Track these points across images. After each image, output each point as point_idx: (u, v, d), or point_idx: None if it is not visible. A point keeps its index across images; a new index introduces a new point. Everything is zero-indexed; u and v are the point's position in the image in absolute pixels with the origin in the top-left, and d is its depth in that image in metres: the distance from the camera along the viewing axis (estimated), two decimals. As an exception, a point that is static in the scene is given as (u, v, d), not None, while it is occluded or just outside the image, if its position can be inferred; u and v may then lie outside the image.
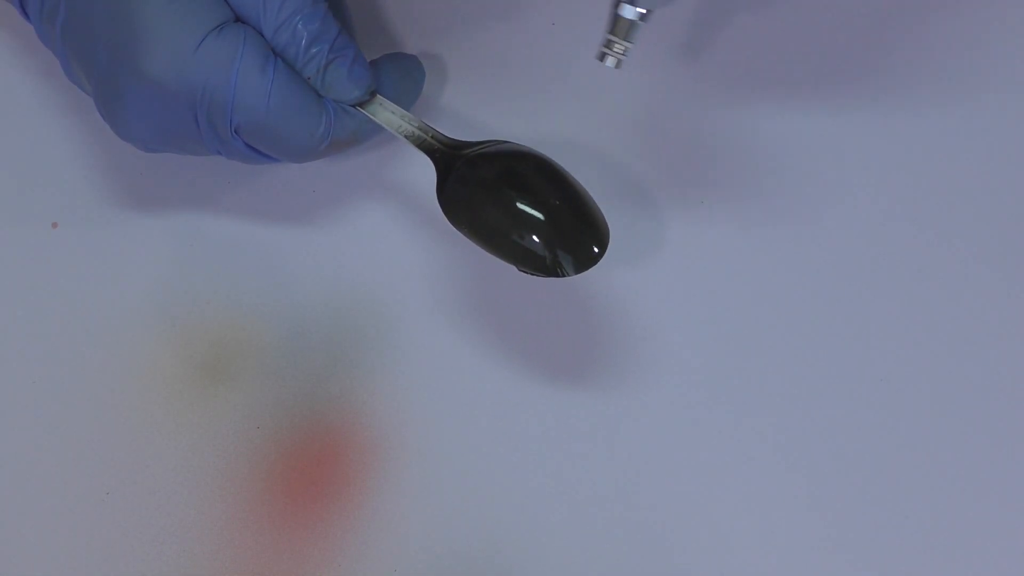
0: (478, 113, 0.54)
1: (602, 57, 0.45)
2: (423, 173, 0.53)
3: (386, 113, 0.49)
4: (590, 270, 0.46)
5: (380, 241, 0.53)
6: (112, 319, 0.52)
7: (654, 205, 0.53)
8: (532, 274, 0.46)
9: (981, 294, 0.51)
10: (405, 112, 0.49)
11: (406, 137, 0.48)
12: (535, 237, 0.46)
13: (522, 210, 0.46)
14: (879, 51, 0.54)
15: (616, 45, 0.44)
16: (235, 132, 0.47)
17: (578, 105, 0.53)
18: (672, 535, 0.50)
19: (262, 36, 0.46)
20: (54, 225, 0.53)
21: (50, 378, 0.52)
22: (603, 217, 0.46)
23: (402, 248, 0.53)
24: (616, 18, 0.44)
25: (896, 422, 0.50)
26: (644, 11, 0.44)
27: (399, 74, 0.51)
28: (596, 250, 0.46)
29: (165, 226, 0.53)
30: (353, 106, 0.48)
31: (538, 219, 0.46)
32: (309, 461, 0.51)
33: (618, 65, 0.45)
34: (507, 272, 0.52)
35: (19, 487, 0.51)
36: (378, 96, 0.49)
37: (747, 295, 0.52)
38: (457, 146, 0.48)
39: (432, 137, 0.48)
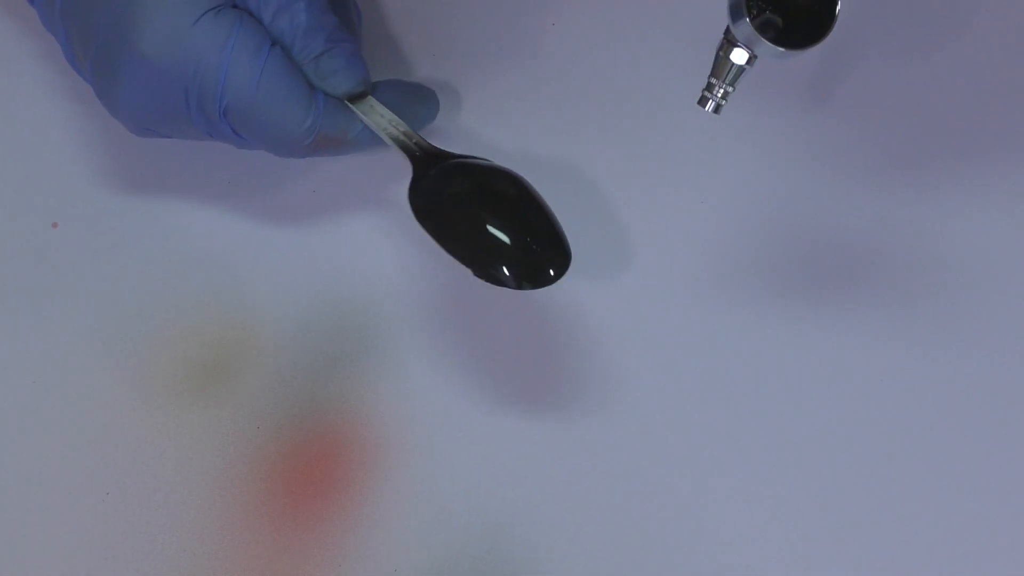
0: (475, 113, 0.54)
1: (703, 101, 0.43)
2: (423, 173, 0.53)
3: (375, 115, 0.49)
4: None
5: (381, 241, 0.53)
6: (112, 319, 0.52)
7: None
8: (489, 281, 0.46)
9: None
10: (395, 117, 0.49)
11: (392, 137, 0.48)
12: (499, 259, 0.46)
13: (488, 232, 0.47)
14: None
15: (718, 89, 0.42)
16: (223, 115, 0.47)
17: (575, 110, 0.53)
18: (673, 536, 0.50)
19: (261, 24, 0.47)
20: (54, 225, 0.53)
21: (50, 378, 0.52)
22: (567, 241, 0.47)
23: (403, 248, 0.53)
24: (722, 61, 0.42)
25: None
26: (755, 57, 0.42)
27: (412, 98, 0.51)
28: (553, 273, 0.46)
29: (165, 226, 0.53)
30: (345, 100, 0.48)
31: (503, 242, 0.46)
32: (309, 461, 0.51)
33: (717, 110, 0.43)
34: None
35: (19, 487, 0.51)
36: (371, 98, 0.49)
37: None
38: (438, 155, 0.48)
39: (416, 143, 0.48)
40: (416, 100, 0.51)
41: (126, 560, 0.50)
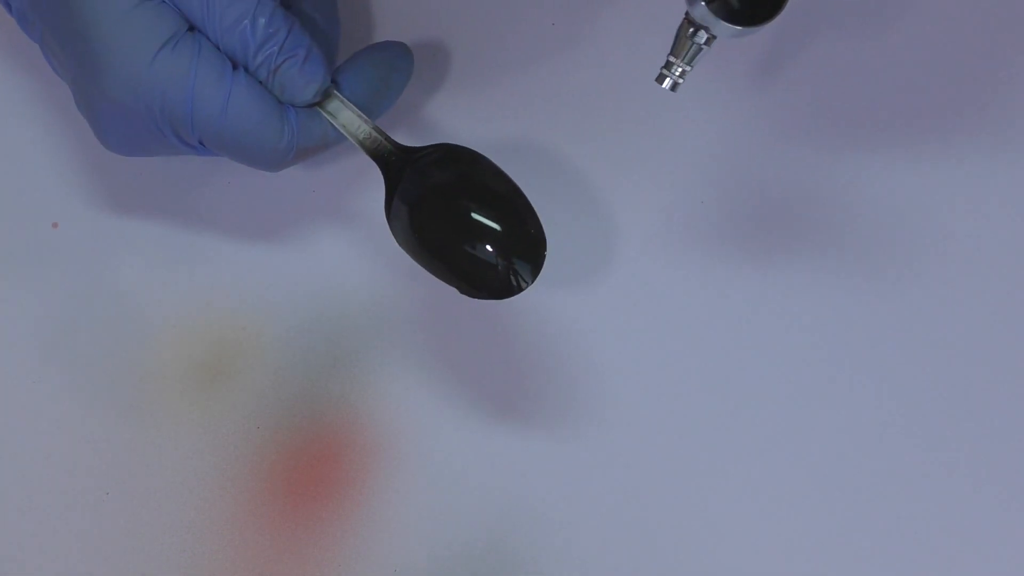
0: (473, 114, 0.54)
1: (661, 79, 0.44)
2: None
3: (346, 113, 0.48)
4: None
5: (382, 240, 0.53)
6: (112, 319, 0.52)
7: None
8: (477, 296, 0.47)
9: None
10: (364, 116, 0.48)
11: (361, 140, 0.48)
12: (489, 246, 0.46)
13: (476, 219, 0.47)
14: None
15: (676, 67, 0.43)
16: (201, 143, 0.47)
17: (573, 109, 0.53)
18: (672, 534, 0.50)
19: (219, 48, 0.46)
20: (54, 225, 0.53)
21: (50, 378, 0.52)
22: (538, 219, 0.47)
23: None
24: (681, 40, 0.43)
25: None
26: (714, 37, 0.43)
27: (382, 67, 0.49)
28: (543, 253, 0.46)
29: (165, 226, 0.53)
30: (314, 107, 0.47)
31: (493, 227, 0.46)
32: (309, 461, 0.51)
33: (675, 88, 0.44)
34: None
35: (19, 487, 0.51)
36: (337, 96, 0.48)
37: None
38: (408, 151, 0.48)
39: (387, 140, 0.48)
40: (388, 70, 0.49)
41: (126, 560, 0.50)
